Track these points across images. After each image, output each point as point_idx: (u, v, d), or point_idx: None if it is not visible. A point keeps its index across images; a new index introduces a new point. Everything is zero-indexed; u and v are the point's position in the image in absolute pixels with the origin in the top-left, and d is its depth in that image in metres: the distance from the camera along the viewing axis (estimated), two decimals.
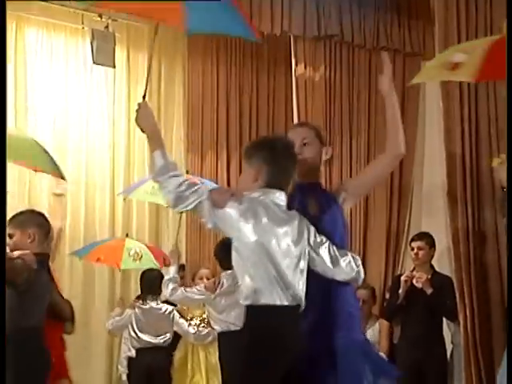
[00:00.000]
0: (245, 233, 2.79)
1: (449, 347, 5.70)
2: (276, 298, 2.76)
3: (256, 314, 2.77)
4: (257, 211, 2.81)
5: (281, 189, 2.91)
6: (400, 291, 5.45)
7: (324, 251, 2.90)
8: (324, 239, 2.92)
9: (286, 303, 2.76)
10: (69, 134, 6.76)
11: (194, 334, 6.01)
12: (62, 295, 4.37)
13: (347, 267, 2.93)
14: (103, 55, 6.34)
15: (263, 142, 3.06)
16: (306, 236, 2.88)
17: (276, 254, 2.79)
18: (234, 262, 2.85)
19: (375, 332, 6.00)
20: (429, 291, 5.35)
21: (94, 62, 6.37)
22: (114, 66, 6.60)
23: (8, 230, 3.86)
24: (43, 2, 6.50)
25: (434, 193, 6.57)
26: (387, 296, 6.05)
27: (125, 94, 7.01)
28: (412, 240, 5.68)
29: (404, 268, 6.44)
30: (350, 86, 6.87)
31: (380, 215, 6.81)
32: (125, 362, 6.50)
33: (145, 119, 3.03)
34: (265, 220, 2.80)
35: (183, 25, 3.17)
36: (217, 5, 3.23)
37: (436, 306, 5.40)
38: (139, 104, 3.07)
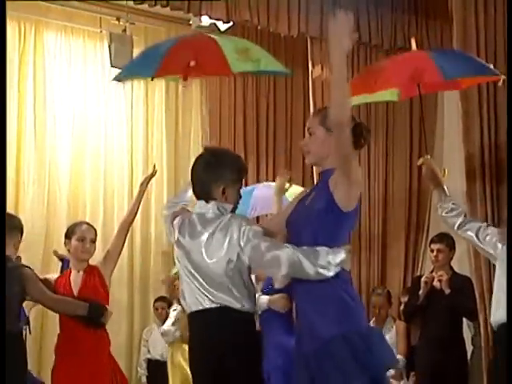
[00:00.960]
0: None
1: (469, 349, 5.66)
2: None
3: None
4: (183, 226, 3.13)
5: (201, 198, 3.12)
6: (420, 292, 5.43)
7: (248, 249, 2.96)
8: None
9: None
10: (87, 138, 6.79)
11: None
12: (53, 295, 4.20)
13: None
14: (121, 58, 6.35)
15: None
16: (235, 237, 2.97)
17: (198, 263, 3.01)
18: None
19: (392, 334, 5.99)
20: (447, 291, 5.33)
21: (111, 66, 6.39)
22: None
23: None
24: (60, 7, 6.55)
25: (453, 194, 6.54)
26: (402, 299, 6.04)
27: (142, 97, 7.03)
28: (432, 242, 5.65)
29: (423, 270, 6.42)
30: None
31: (399, 217, 6.80)
32: (144, 365, 6.54)
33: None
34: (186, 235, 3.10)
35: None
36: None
37: (456, 307, 5.38)
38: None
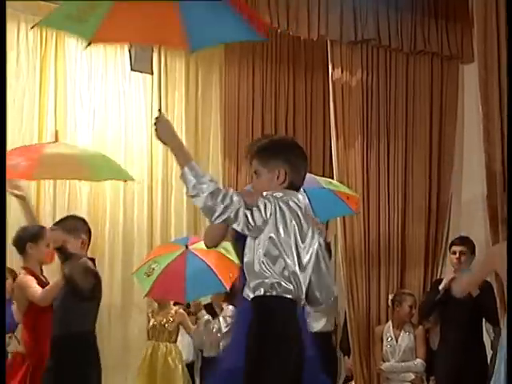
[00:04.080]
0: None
1: (488, 354, 5.63)
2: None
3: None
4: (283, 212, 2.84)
5: (298, 190, 2.96)
6: (441, 287, 5.39)
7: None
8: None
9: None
10: (107, 141, 6.82)
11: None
12: None
13: None
14: (141, 62, 6.38)
15: (279, 144, 3.06)
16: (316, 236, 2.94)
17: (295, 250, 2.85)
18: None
19: (411, 338, 5.96)
20: (475, 293, 5.28)
21: (132, 69, 6.42)
22: (152, 73, 6.64)
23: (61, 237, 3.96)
24: None
25: (474, 198, 6.50)
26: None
27: (163, 100, 7.05)
28: (453, 244, 5.61)
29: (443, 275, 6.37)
30: (388, 90, 6.82)
31: (418, 225, 6.76)
32: None
33: (165, 133, 3.01)
34: (290, 222, 2.84)
35: (186, 44, 3.13)
36: (215, 16, 3.16)
37: (480, 310, 5.34)
38: (157, 118, 3.03)
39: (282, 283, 2.79)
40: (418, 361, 5.95)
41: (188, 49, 3.21)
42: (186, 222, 7.06)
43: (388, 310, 6.37)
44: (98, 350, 4.00)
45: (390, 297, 6.24)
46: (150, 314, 5.91)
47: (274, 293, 2.79)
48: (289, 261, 2.81)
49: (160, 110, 3.11)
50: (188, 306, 6.45)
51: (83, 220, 4.25)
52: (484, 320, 5.57)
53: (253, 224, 2.78)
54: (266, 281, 2.79)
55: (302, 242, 2.87)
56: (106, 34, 3.14)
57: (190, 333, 6.00)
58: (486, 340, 5.67)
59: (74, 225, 4.08)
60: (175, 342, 5.92)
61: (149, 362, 5.89)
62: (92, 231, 6.49)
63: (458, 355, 5.33)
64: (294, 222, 2.85)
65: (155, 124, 3.02)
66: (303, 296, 2.90)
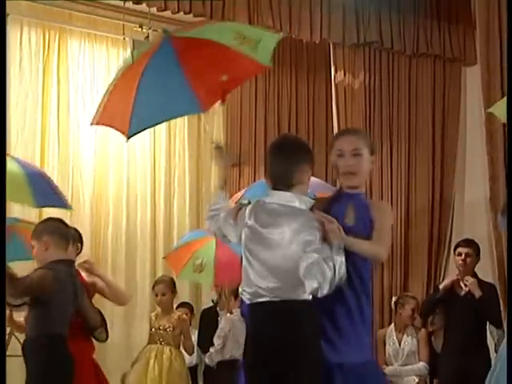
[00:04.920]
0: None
1: (492, 356, 5.61)
2: None
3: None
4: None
5: (282, 188, 3.00)
6: (441, 286, 5.40)
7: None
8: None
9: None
10: (110, 145, 6.82)
11: None
12: (92, 303, 4.36)
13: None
14: None
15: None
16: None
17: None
18: None
19: (414, 342, 5.94)
20: (478, 294, 5.27)
21: None
22: None
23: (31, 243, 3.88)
24: (84, 14, 6.60)
25: (476, 200, 6.49)
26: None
27: None
28: (458, 246, 5.60)
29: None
30: (390, 92, 6.82)
31: (421, 226, 6.75)
32: None
33: (225, 164, 3.32)
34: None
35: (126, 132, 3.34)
36: (160, 95, 3.28)
37: (484, 313, 5.33)
38: (221, 149, 3.30)
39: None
40: (421, 364, 5.93)
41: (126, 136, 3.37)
42: (189, 224, 7.06)
43: (391, 313, 6.36)
44: (67, 353, 3.83)
45: (394, 299, 6.23)
46: (153, 318, 5.89)
47: None
48: None
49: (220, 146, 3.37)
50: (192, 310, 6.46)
51: (50, 220, 4.10)
52: (488, 322, 5.55)
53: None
54: None
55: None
56: None
57: (187, 342, 5.91)
58: (490, 343, 5.65)
59: (38, 228, 3.96)
60: (179, 347, 5.89)
61: (152, 365, 5.86)
62: (95, 235, 6.62)
63: (461, 358, 5.31)
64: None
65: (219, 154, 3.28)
66: None
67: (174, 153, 7.08)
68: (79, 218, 6.54)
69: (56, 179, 6.47)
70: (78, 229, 6.36)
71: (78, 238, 4.53)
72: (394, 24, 6.65)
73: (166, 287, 5.72)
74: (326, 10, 6.40)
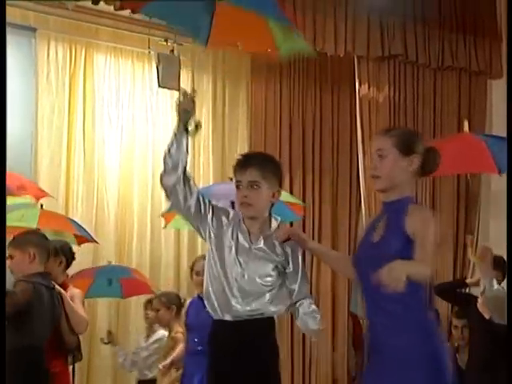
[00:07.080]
0: None
1: None
2: None
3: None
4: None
5: None
6: (468, 281, 5.38)
7: None
8: None
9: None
10: (135, 157, 6.86)
11: None
12: (71, 327, 4.25)
13: None
14: (169, 79, 6.43)
15: None
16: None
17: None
18: None
19: None
20: (488, 316, 5.20)
21: (159, 86, 6.47)
22: (180, 90, 6.68)
23: (8, 251, 3.81)
24: (110, 29, 6.67)
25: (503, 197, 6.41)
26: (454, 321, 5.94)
27: None
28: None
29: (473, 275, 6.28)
30: (415, 106, 6.80)
31: (447, 224, 6.67)
32: None
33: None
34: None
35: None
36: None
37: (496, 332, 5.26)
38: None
39: None
40: None
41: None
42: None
43: None
44: (43, 367, 3.83)
45: None
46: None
47: None
48: None
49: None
50: None
51: (35, 233, 4.10)
52: None
53: None
54: None
55: None
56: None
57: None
58: None
59: (21, 238, 3.92)
60: None
61: None
62: (119, 246, 6.65)
63: (485, 373, 5.24)
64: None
65: None
66: None
67: (198, 166, 7.09)
68: (104, 230, 6.59)
69: (81, 191, 6.55)
70: (103, 240, 6.47)
71: (67, 251, 4.45)
72: (419, 37, 6.63)
73: None
74: (350, 23, 6.41)
